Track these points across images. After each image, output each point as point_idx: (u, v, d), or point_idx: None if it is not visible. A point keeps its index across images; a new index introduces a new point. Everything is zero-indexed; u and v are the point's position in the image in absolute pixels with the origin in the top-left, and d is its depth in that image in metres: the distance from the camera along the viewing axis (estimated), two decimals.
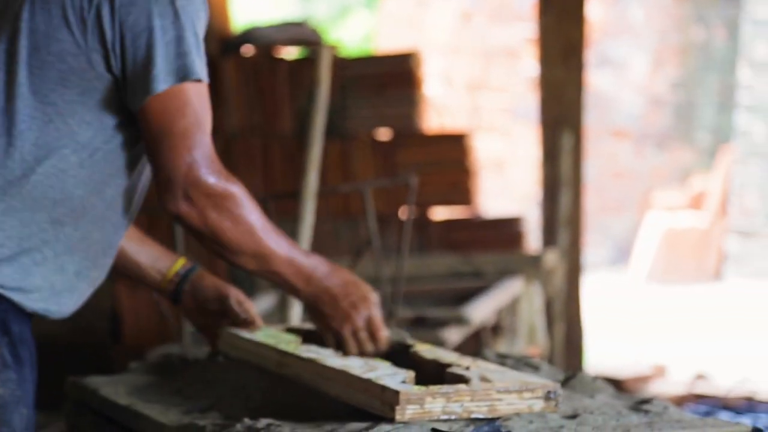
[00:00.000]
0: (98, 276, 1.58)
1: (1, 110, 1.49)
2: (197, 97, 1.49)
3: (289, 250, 1.55)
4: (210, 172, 1.49)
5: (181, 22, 1.49)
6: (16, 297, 1.50)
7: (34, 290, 1.51)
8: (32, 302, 1.52)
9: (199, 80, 1.49)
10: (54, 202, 1.51)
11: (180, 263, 1.72)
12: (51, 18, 1.49)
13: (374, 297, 1.60)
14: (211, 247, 1.53)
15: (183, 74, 1.48)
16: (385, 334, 1.59)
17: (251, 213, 1.52)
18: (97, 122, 1.51)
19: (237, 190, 1.51)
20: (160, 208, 1.51)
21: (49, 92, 1.49)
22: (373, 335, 1.58)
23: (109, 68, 1.49)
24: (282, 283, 1.57)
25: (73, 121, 1.50)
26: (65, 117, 1.50)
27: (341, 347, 1.58)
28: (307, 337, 1.67)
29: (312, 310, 1.59)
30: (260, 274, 1.55)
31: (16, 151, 1.49)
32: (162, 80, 1.47)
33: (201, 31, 1.53)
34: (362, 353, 1.57)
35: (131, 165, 1.56)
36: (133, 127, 1.53)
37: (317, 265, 1.57)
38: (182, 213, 1.49)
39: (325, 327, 1.59)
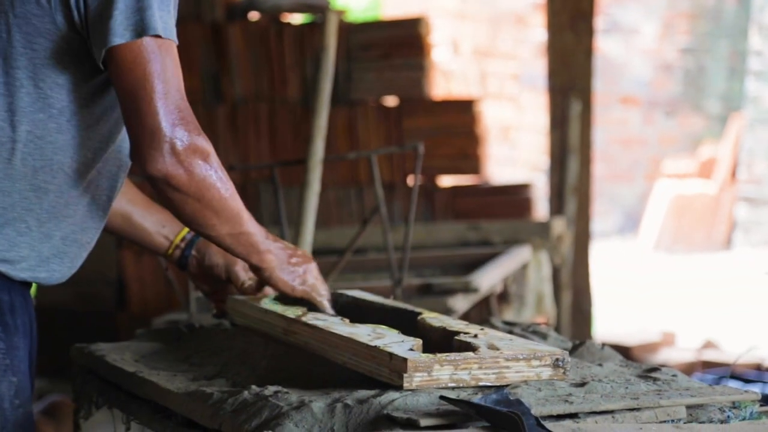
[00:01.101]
0: (90, 239, 1.58)
1: None
2: (159, 52, 1.45)
3: (251, 219, 1.57)
4: (187, 128, 1.46)
5: None
6: (2, 268, 1.50)
7: (20, 260, 1.51)
8: (19, 272, 1.51)
9: (158, 36, 1.45)
10: (34, 170, 1.49)
11: (186, 229, 1.71)
12: None
13: (313, 263, 1.66)
14: (189, 209, 1.49)
15: (141, 29, 1.44)
16: (327, 293, 1.65)
17: (225, 174, 1.52)
18: (71, 85, 1.49)
19: (211, 148, 1.49)
20: (139, 172, 1.48)
21: (18, 56, 1.47)
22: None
23: (73, 28, 1.47)
24: (245, 245, 1.56)
25: (44, 85, 1.48)
26: (36, 81, 1.47)
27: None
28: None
29: (256, 269, 1.61)
30: (227, 237, 1.54)
31: None
32: (119, 34, 1.43)
33: None
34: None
35: (114, 128, 1.54)
36: (110, 91, 1.50)
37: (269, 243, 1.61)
38: (169, 172, 1.45)
39: (278, 288, 1.62)
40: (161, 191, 1.49)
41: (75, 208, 1.53)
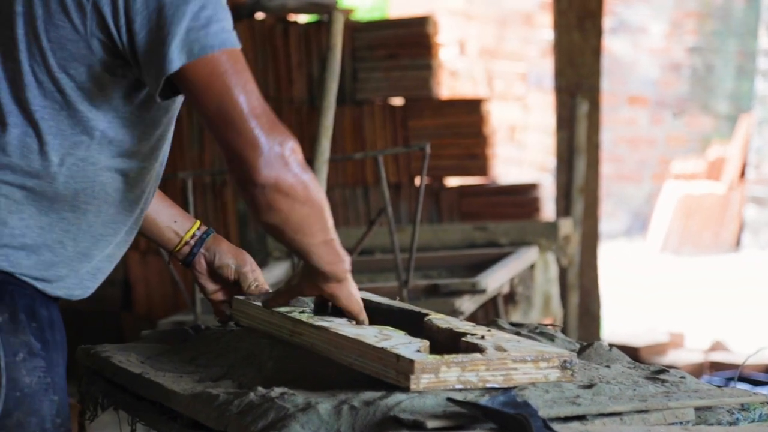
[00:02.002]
0: (122, 252, 1.58)
1: (14, 100, 1.46)
2: (231, 63, 1.44)
3: (330, 232, 1.53)
4: (281, 132, 1.45)
5: None
6: (40, 286, 1.50)
7: (57, 279, 1.51)
8: (57, 290, 1.51)
9: (224, 48, 1.43)
10: (75, 192, 1.49)
11: (197, 226, 1.70)
12: (48, 4, 1.45)
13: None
14: (297, 216, 1.46)
15: (211, 44, 1.42)
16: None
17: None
18: (111, 107, 1.47)
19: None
20: (241, 188, 1.44)
21: (55, 81, 1.46)
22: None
23: (112, 52, 1.45)
24: (334, 253, 1.52)
25: (84, 108, 1.47)
26: (76, 104, 1.46)
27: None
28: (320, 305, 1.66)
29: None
30: (322, 246, 1.50)
31: (33, 142, 1.46)
32: (185, 54, 1.41)
33: None
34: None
35: (157, 144, 1.53)
36: (151, 109, 1.50)
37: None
38: (280, 176, 1.43)
39: (351, 309, 1.56)
40: (270, 201, 1.45)
41: (114, 227, 1.53)
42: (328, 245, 1.50)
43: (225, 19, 1.45)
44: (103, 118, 1.48)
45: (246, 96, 1.44)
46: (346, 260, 1.53)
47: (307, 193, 1.46)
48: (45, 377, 1.48)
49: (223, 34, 1.44)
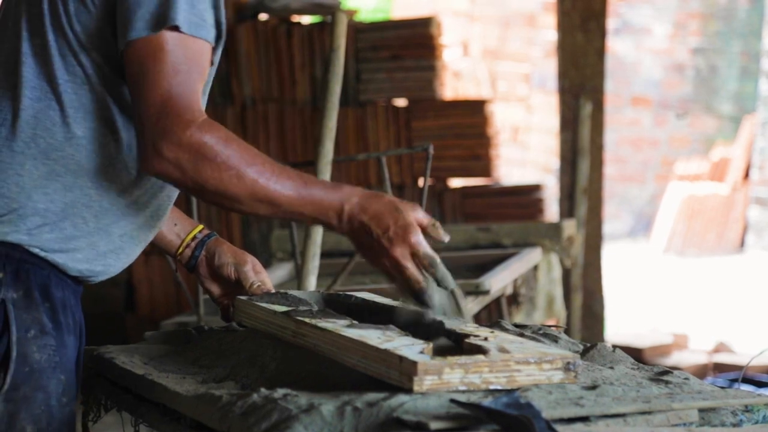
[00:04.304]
0: (146, 236, 1.57)
1: (40, 74, 1.48)
2: (177, 46, 1.42)
3: (303, 188, 1.42)
4: (181, 122, 1.40)
5: None
6: (58, 259, 1.50)
7: (76, 251, 1.50)
8: (75, 263, 1.51)
9: (176, 28, 1.42)
10: (97, 167, 1.49)
11: (198, 229, 1.70)
12: None
13: (416, 221, 1.43)
14: (207, 200, 1.45)
15: (161, 22, 1.42)
16: (434, 261, 1.42)
17: (234, 157, 1.40)
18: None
19: (210, 138, 1.40)
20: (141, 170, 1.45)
21: (75, 55, 1.47)
22: (423, 266, 1.43)
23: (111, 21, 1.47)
24: (312, 223, 1.49)
25: (105, 83, 1.48)
26: (95, 78, 1.48)
27: (396, 283, 1.44)
28: (327, 303, 1.66)
29: (354, 245, 1.46)
30: (282, 217, 1.46)
31: (56, 114, 1.48)
32: (140, 28, 1.42)
33: None
34: (418, 286, 1.43)
35: None
36: None
37: (347, 198, 1.43)
38: (158, 169, 1.42)
39: (372, 264, 1.46)
40: (173, 183, 1.43)
41: (136, 207, 1.53)
42: (285, 214, 1.42)
43: (193, 5, 1.43)
44: (126, 95, 1.48)
45: (156, 77, 1.40)
46: (344, 190, 1.42)
47: (201, 186, 1.40)
48: (54, 356, 1.49)
49: (183, 15, 1.43)
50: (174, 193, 1.58)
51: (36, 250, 1.49)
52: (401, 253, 1.44)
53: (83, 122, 1.48)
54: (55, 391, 1.49)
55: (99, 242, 1.51)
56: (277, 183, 1.43)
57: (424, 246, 1.46)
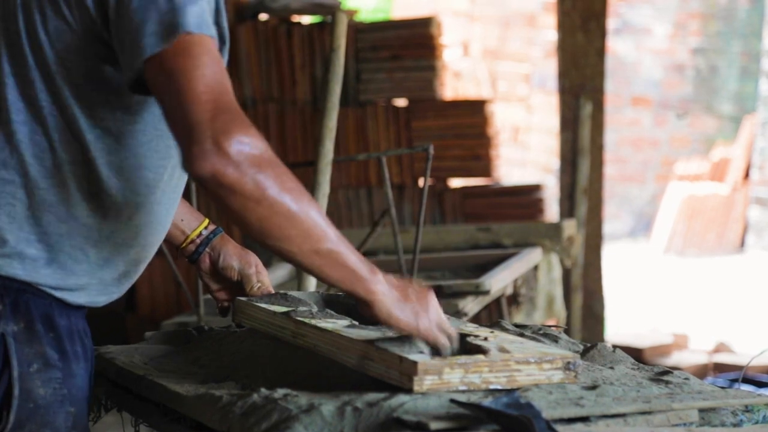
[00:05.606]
0: (150, 253, 1.52)
1: (21, 97, 1.40)
2: (196, 49, 1.33)
3: (346, 247, 1.36)
4: (229, 120, 1.30)
5: None
6: (58, 295, 1.44)
7: (78, 288, 1.45)
8: (77, 298, 1.45)
9: (188, 33, 1.33)
10: (90, 194, 1.41)
11: (204, 224, 1.67)
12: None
13: (433, 296, 1.44)
14: (255, 216, 1.31)
15: (172, 32, 1.33)
16: (453, 331, 1.43)
17: (292, 177, 1.33)
18: (115, 102, 1.41)
19: (265, 145, 1.33)
20: (192, 178, 1.33)
21: (55, 75, 1.40)
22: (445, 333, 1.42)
23: (106, 46, 1.39)
24: (341, 268, 1.36)
25: (87, 104, 1.40)
26: (78, 100, 1.40)
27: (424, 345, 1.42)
28: (327, 303, 1.66)
29: (378, 310, 1.40)
30: (314, 256, 1.34)
31: (43, 140, 1.40)
32: (153, 44, 1.33)
33: None
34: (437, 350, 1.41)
35: (167, 145, 1.45)
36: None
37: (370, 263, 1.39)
38: (216, 167, 1.28)
39: (399, 328, 1.41)
40: (217, 198, 1.31)
41: (136, 231, 1.46)
42: (326, 257, 1.34)
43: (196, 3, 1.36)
44: (110, 116, 1.41)
45: (194, 83, 1.31)
46: (368, 277, 1.37)
47: (261, 193, 1.30)
48: (61, 388, 1.44)
49: (195, 18, 1.35)
50: (173, 207, 1.51)
51: (34, 284, 1.42)
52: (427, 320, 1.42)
53: (69, 147, 1.40)
54: (64, 425, 1.44)
55: (103, 274, 1.45)
56: (330, 227, 1.35)
57: (442, 314, 1.45)
